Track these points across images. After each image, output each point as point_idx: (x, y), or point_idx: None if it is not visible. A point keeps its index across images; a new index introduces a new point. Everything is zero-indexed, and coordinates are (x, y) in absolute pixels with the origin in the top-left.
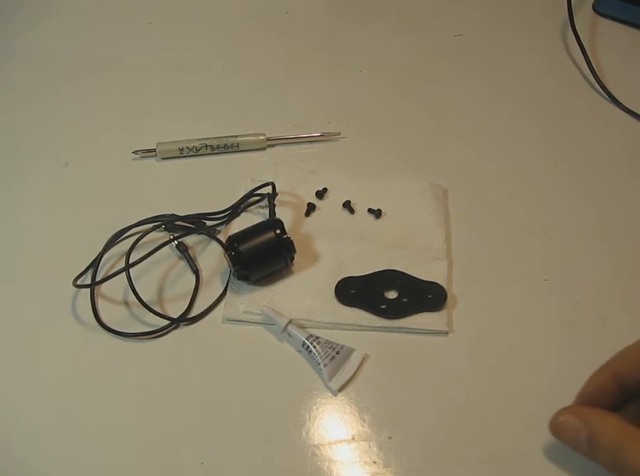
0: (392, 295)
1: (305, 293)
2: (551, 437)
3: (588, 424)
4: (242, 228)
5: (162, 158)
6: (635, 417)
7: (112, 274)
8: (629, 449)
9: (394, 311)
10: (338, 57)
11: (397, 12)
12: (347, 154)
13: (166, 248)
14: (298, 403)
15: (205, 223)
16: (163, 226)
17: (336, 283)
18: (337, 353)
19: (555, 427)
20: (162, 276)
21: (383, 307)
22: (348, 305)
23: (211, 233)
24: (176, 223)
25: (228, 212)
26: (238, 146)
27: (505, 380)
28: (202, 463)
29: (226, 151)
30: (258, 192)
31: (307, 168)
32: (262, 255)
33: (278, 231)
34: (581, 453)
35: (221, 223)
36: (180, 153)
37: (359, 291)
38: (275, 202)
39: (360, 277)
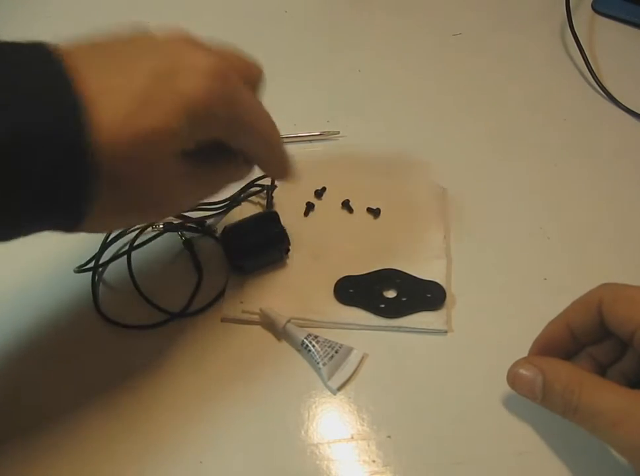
0: (391, 294)
1: (304, 292)
2: (551, 437)
3: (541, 372)
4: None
5: None
6: (589, 364)
7: (114, 256)
8: (580, 392)
9: (393, 310)
10: (338, 56)
11: (396, 10)
12: (346, 153)
13: (170, 245)
14: (297, 402)
15: (205, 221)
16: (162, 225)
17: (334, 283)
18: (336, 352)
19: (512, 379)
20: (164, 271)
21: (382, 306)
22: (346, 305)
23: (207, 230)
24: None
25: (227, 202)
26: None
27: (504, 379)
28: (201, 462)
29: None
30: (258, 183)
31: (305, 167)
32: (256, 246)
33: (273, 223)
34: (538, 403)
35: (220, 213)
36: None
37: (357, 291)
38: (273, 195)
39: (359, 276)
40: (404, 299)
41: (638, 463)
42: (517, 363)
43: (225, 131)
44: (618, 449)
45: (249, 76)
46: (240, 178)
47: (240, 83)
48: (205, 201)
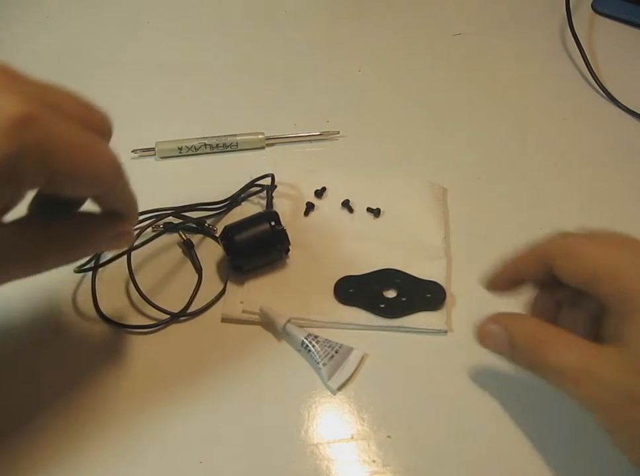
0: (391, 294)
1: (304, 292)
2: (551, 437)
3: (508, 328)
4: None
5: (161, 158)
6: (568, 321)
7: (114, 257)
8: (545, 349)
9: (392, 310)
10: (338, 56)
11: (396, 11)
12: (346, 153)
13: (170, 245)
14: (297, 402)
15: (205, 221)
16: (162, 226)
17: (335, 283)
18: (336, 352)
19: (481, 336)
20: (164, 271)
21: (382, 306)
22: (346, 305)
23: (207, 230)
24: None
25: (227, 202)
26: (237, 145)
27: (505, 378)
28: (201, 462)
29: (225, 150)
30: (258, 183)
31: (306, 167)
32: (256, 245)
33: (273, 223)
34: (508, 360)
35: (220, 212)
36: (179, 152)
37: (358, 290)
38: (273, 196)
39: (359, 276)
40: (404, 299)
41: (601, 418)
42: (483, 322)
43: (46, 186)
44: (583, 405)
45: (87, 117)
46: (111, 236)
47: (63, 124)
48: (70, 263)
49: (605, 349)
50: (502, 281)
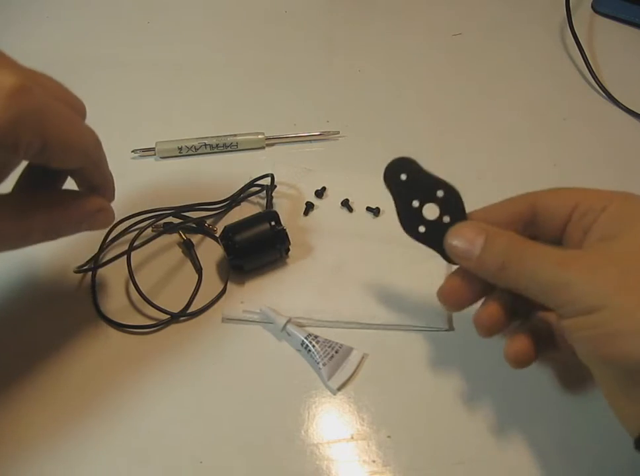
0: (433, 212)
1: (304, 291)
2: (552, 437)
3: (484, 230)
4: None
5: (161, 158)
6: None
7: (114, 257)
8: (522, 256)
9: (435, 236)
10: (337, 56)
11: (396, 11)
12: (346, 153)
13: (170, 245)
14: (297, 402)
15: (205, 221)
16: (162, 226)
17: (390, 160)
18: (336, 352)
19: (454, 235)
20: (164, 271)
21: (422, 230)
22: (390, 189)
23: (207, 230)
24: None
25: (227, 202)
26: (237, 145)
27: (505, 379)
28: (201, 462)
29: (225, 150)
30: (258, 183)
31: (306, 167)
32: (256, 245)
33: (273, 223)
34: (472, 265)
35: (220, 212)
36: (179, 152)
37: (410, 183)
38: (273, 196)
39: (421, 168)
40: (446, 220)
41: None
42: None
43: (37, 155)
44: (557, 308)
45: (67, 99)
46: (86, 213)
47: (52, 99)
48: (62, 236)
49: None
50: (492, 218)
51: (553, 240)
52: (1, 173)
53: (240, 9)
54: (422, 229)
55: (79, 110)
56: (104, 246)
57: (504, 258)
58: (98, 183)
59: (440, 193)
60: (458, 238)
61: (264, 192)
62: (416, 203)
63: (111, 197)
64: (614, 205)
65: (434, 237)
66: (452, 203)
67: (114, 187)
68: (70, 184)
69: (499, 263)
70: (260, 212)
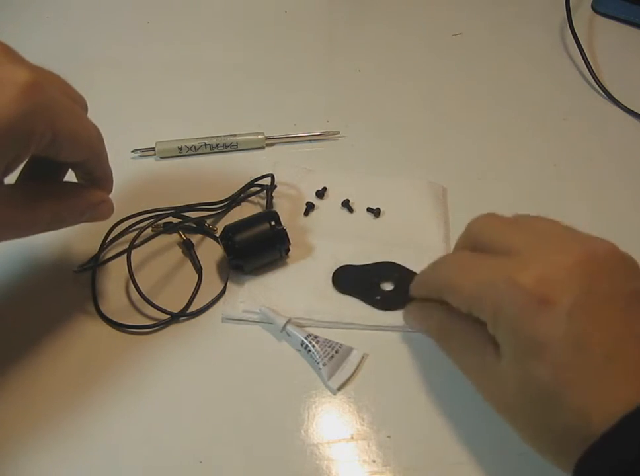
0: (388, 287)
1: (304, 292)
2: None
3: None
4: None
5: (161, 158)
6: None
7: (113, 256)
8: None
9: (388, 303)
10: (337, 56)
11: (396, 11)
12: (346, 153)
13: (170, 245)
14: (297, 402)
15: (205, 221)
16: (161, 226)
17: (334, 271)
18: (336, 352)
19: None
20: (164, 271)
21: (378, 298)
22: (343, 293)
23: (207, 230)
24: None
25: (227, 202)
26: (237, 145)
27: None
28: (201, 462)
29: (225, 150)
30: (258, 183)
31: (306, 167)
32: (257, 245)
33: (273, 222)
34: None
35: (220, 212)
36: (179, 152)
37: (356, 280)
38: (273, 196)
39: (358, 266)
40: (401, 293)
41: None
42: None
43: (48, 147)
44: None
45: (72, 95)
46: (86, 205)
47: (60, 95)
48: (65, 226)
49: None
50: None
51: None
52: (12, 165)
53: (240, 9)
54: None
55: (81, 105)
56: (104, 246)
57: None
58: (99, 175)
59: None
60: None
61: (264, 192)
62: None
63: (110, 189)
64: (488, 325)
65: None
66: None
67: (112, 181)
68: (69, 178)
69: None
70: (260, 212)
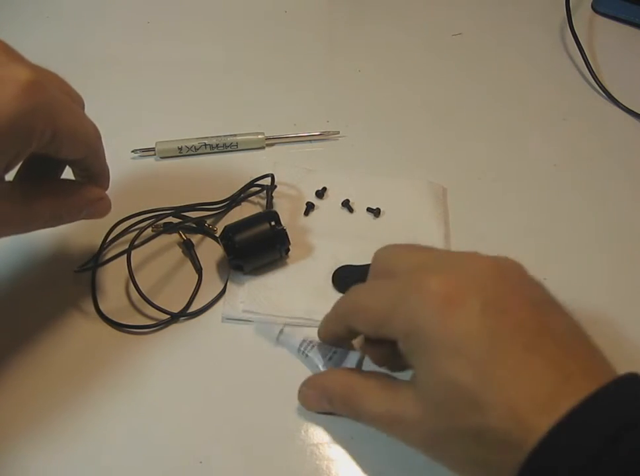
0: None
1: (304, 291)
2: None
3: (323, 390)
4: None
5: (161, 158)
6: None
7: (114, 256)
8: (357, 400)
9: None
10: (337, 56)
11: (396, 11)
12: (346, 153)
13: (170, 245)
14: (297, 402)
15: (205, 221)
16: (162, 226)
17: (333, 271)
18: (335, 352)
19: (303, 402)
20: (164, 271)
21: None
22: (343, 293)
23: (207, 230)
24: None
25: (227, 202)
26: (237, 145)
27: None
28: (201, 462)
29: (225, 150)
30: (258, 183)
31: (306, 167)
32: (257, 245)
33: (273, 222)
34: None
35: (220, 212)
36: (179, 152)
37: (356, 281)
38: (273, 196)
39: (358, 266)
40: None
41: (428, 453)
42: (300, 389)
43: (48, 144)
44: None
45: (70, 93)
46: (85, 201)
47: (59, 93)
48: (63, 223)
49: (403, 389)
50: (331, 341)
51: None
52: (13, 162)
53: (240, 9)
54: None
55: (79, 103)
56: (104, 246)
57: (351, 415)
58: (96, 172)
59: None
60: (310, 406)
61: (264, 192)
62: None
63: (107, 186)
64: (401, 344)
65: None
66: None
67: (109, 178)
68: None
69: (350, 417)
70: (260, 212)
